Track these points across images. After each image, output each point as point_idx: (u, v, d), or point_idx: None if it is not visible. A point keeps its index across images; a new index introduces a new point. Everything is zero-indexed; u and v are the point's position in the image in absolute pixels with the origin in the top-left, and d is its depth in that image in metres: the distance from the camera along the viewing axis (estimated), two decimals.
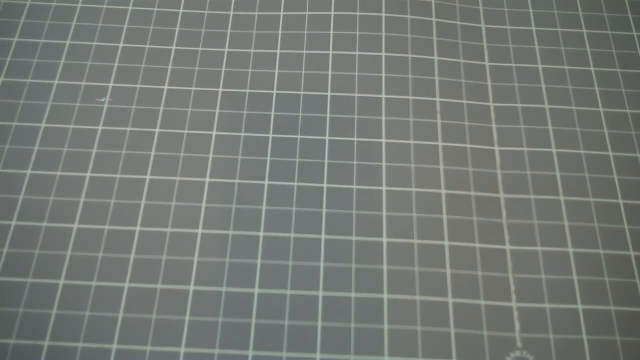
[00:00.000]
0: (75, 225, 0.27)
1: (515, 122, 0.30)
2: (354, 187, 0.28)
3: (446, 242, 0.27)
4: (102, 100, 0.30)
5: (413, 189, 0.28)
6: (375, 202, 0.28)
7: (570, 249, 0.27)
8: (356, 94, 0.31)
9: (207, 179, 0.28)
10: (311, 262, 0.26)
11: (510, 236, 0.27)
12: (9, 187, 0.28)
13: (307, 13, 0.33)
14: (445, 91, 0.31)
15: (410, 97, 0.31)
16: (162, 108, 0.30)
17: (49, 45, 0.32)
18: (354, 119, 0.30)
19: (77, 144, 0.29)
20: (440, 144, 0.29)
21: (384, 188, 0.28)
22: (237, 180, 0.28)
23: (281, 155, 0.29)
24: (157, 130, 0.30)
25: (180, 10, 0.33)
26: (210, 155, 0.29)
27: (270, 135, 0.29)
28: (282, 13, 0.33)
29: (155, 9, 0.33)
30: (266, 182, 0.28)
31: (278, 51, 0.32)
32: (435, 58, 0.32)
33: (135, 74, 0.31)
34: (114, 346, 0.25)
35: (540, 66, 0.32)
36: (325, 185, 0.28)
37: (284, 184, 0.28)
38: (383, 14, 0.33)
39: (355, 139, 0.29)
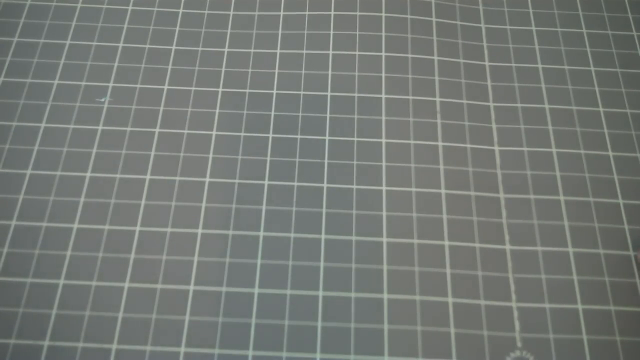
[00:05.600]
0: (75, 225, 0.27)
1: (515, 122, 0.30)
2: (354, 187, 0.28)
3: (446, 242, 0.27)
4: (102, 100, 0.30)
5: (413, 189, 0.28)
6: (375, 202, 0.28)
7: (570, 249, 0.27)
8: (356, 94, 0.31)
9: (207, 179, 0.28)
10: (311, 262, 0.26)
11: (510, 236, 0.27)
12: (9, 187, 0.28)
13: (307, 13, 0.33)
14: (445, 91, 0.31)
15: (410, 97, 0.31)
16: (162, 108, 0.30)
17: (49, 45, 0.32)
18: (354, 119, 0.30)
19: (77, 144, 0.29)
20: (440, 144, 0.29)
21: (384, 188, 0.28)
22: (237, 180, 0.28)
23: (281, 155, 0.29)
24: (157, 130, 0.30)
25: (180, 10, 0.33)
26: (210, 155, 0.29)
27: (270, 135, 0.29)
28: (282, 13, 0.33)
29: (155, 9, 0.33)
30: (266, 182, 0.28)
31: (278, 51, 0.32)
32: (435, 58, 0.32)
33: (135, 74, 0.31)
34: (114, 346, 0.25)
35: (540, 66, 0.32)
36: (325, 185, 0.28)
37: (284, 184, 0.28)
38: (383, 14, 0.33)
39: (355, 139, 0.29)
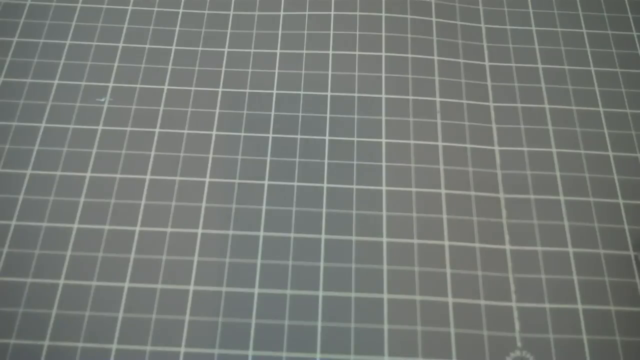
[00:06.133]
0: (75, 225, 0.27)
1: (515, 122, 0.30)
2: (354, 187, 0.28)
3: (446, 242, 0.27)
4: (102, 100, 0.30)
5: (413, 189, 0.28)
6: (375, 202, 0.28)
7: (570, 249, 0.27)
8: (356, 94, 0.31)
9: (207, 179, 0.28)
10: (311, 262, 0.26)
11: (510, 236, 0.27)
12: (9, 187, 0.28)
13: (307, 13, 0.33)
14: (445, 91, 0.31)
15: (410, 97, 0.31)
16: (162, 108, 0.30)
17: (49, 45, 0.32)
18: (354, 119, 0.30)
19: (77, 144, 0.29)
20: (440, 144, 0.29)
21: (384, 188, 0.28)
22: (237, 180, 0.28)
23: (281, 155, 0.29)
24: (157, 130, 0.30)
25: (180, 10, 0.33)
26: (210, 155, 0.29)
27: (270, 135, 0.29)
28: (282, 13, 0.33)
29: (155, 9, 0.33)
30: (266, 182, 0.28)
31: (278, 51, 0.32)
32: (435, 58, 0.32)
33: (135, 74, 0.31)
34: (114, 346, 0.25)
35: (540, 66, 0.32)
36: (325, 185, 0.28)
37: (284, 184, 0.28)
38: (383, 14, 0.33)
39: (355, 139, 0.29)
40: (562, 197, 0.28)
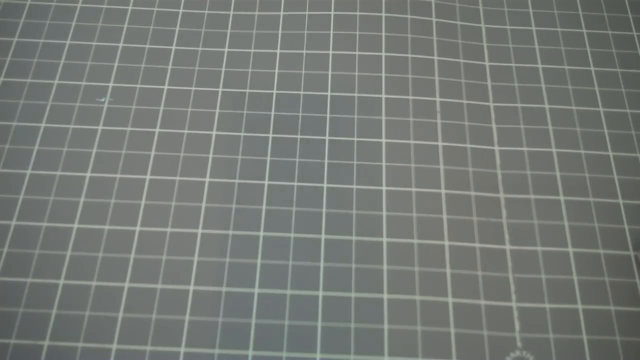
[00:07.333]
0: (75, 225, 0.27)
1: (515, 122, 0.30)
2: (354, 187, 0.28)
3: (446, 242, 0.27)
4: (102, 100, 0.30)
5: (413, 189, 0.28)
6: (375, 202, 0.28)
7: (570, 249, 0.27)
8: (356, 94, 0.31)
9: (207, 179, 0.28)
10: (311, 262, 0.26)
11: (510, 236, 0.27)
12: (9, 187, 0.28)
13: (307, 13, 0.33)
14: (445, 91, 0.31)
15: (410, 97, 0.31)
16: (162, 108, 0.30)
17: (49, 45, 0.32)
18: (354, 119, 0.30)
19: (77, 144, 0.29)
20: (440, 144, 0.29)
21: (384, 188, 0.28)
22: (237, 180, 0.28)
23: (281, 155, 0.29)
24: (157, 130, 0.30)
25: (180, 10, 0.33)
26: (210, 155, 0.29)
27: (270, 135, 0.29)
28: (282, 13, 0.33)
29: (155, 9, 0.33)
30: (266, 182, 0.28)
31: (278, 51, 0.32)
32: (435, 58, 0.32)
33: (135, 74, 0.31)
34: (114, 346, 0.25)
35: (540, 66, 0.32)
36: (325, 185, 0.28)
37: (284, 184, 0.28)
38: (383, 14, 0.33)
39: (355, 139, 0.29)
40: (562, 197, 0.28)
